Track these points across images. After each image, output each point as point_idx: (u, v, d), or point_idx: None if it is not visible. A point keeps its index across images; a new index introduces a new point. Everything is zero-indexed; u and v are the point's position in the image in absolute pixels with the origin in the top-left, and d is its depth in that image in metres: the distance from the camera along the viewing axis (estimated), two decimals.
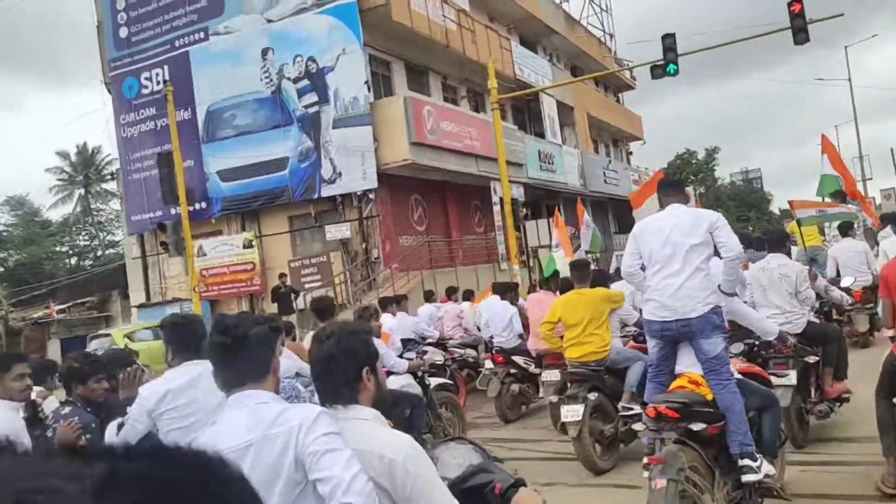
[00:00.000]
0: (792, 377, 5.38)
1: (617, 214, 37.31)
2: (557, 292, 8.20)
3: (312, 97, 17.84)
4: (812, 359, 5.72)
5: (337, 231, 17.94)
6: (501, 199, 22.09)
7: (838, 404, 5.90)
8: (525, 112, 28.31)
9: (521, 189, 24.08)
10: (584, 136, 31.24)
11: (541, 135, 27.17)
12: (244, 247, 18.88)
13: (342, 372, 2.08)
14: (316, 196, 18.18)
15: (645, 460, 3.94)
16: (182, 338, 3.40)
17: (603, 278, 6.86)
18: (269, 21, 18.01)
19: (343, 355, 2.08)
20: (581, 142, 30.87)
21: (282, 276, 15.10)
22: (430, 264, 20.05)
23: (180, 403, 3.20)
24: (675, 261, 4.37)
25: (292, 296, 15.23)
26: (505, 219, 19.29)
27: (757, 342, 5.32)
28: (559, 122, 30.67)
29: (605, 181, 32.61)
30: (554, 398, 6.48)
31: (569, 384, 6.13)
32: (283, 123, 18.13)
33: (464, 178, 21.39)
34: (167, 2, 19.50)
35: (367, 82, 17.73)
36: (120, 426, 3.32)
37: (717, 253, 4.51)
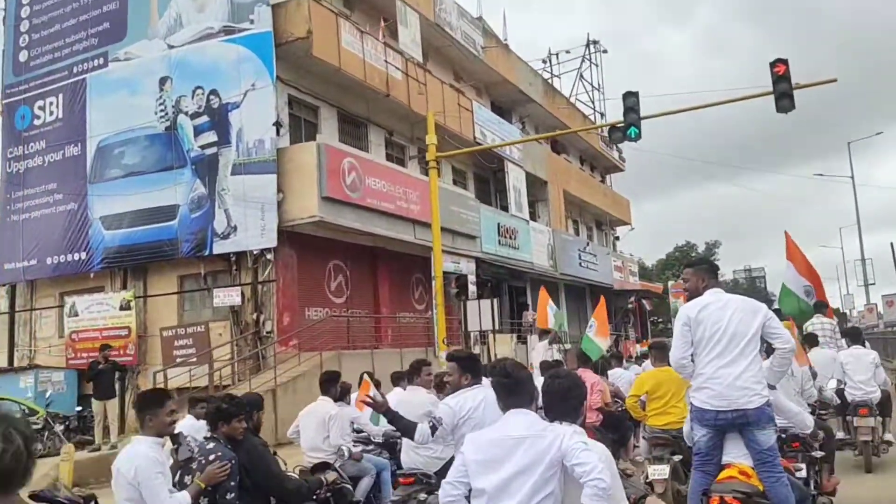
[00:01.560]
0: (804, 471, 5.36)
1: (596, 301, 34.15)
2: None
3: (211, 136, 15.11)
4: (818, 454, 5.83)
5: (226, 296, 14.85)
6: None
7: (832, 497, 6.02)
8: (490, 182, 25.62)
9: (471, 264, 21.10)
10: (557, 213, 28.45)
11: (505, 208, 24.38)
12: (121, 308, 15.78)
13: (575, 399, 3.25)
14: (207, 252, 15.18)
15: None
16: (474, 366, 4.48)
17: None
18: (171, 47, 15.48)
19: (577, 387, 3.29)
20: (554, 219, 28.05)
21: (104, 348, 11.90)
22: (349, 343, 16.85)
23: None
24: (732, 350, 4.38)
25: (116, 374, 11.97)
26: (433, 296, 16.17)
27: (783, 434, 5.25)
28: (529, 197, 27.95)
29: (581, 264, 29.59)
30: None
31: (653, 448, 6.65)
32: (176, 165, 15.34)
33: (400, 245, 18.43)
34: (70, 24, 17.15)
35: (276, 123, 15.01)
36: (433, 429, 4.23)
37: None
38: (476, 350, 20.70)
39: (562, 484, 2.98)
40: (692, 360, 4.55)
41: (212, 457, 4.17)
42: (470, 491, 3.08)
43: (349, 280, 17.61)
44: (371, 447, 6.81)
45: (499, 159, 24.00)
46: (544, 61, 36.97)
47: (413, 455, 5.53)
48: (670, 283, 56.57)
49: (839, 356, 8.44)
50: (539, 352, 13.64)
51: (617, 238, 39.88)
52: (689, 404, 4.64)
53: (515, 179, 24.81)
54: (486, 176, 25.37)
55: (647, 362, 9.07)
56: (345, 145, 16.60)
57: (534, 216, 28.19)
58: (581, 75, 37.29)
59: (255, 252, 14.92)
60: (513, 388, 3.18)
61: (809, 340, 8.44)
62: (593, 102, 37.45)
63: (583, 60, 37.54)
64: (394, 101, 18.42)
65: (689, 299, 4.82)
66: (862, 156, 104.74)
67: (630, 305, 32.63)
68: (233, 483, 4.23)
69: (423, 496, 5.24)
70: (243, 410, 4.65)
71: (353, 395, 7.13)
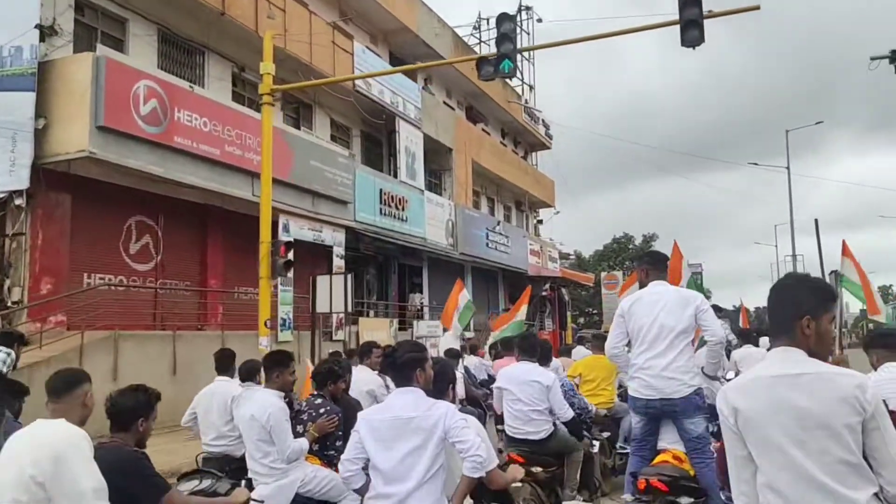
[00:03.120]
0: None
1: (510, 287, 31.03)
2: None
3: None
4: None
5: None
6: (296, 242, 15.51)
7: None
8: (383, 145, 22.03)
9: (338, 234, 17.53)
10: (463, 187, 25.07)
11: (396, 174, 20.85)
12: None
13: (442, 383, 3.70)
14: None
15: None
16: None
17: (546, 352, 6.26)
18: None
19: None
20: (458, 193, 24.65)
21: None
22: (156, 322, 13.15)
23: None
24: (661, 342, 4.49)
25: None
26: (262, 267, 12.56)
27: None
28: (431, 165, 24.46)
29: (489, 245, 26.30)
30: None
31: None
32: None
33: (242, 205, 14.72)
34: None
35: (40, 26, 11.15)
36: None
37: None
38: (340, 336, 17.23)
39: (448, 455, 3.27)
40: (626, 350, 4.78)
41: (321, 410, 4.67)
42: (367, 463, 3.32)
43: (161, 242, 13.85)
44: None
45: (389, 117, 20.42)
46: (475, 27, 33.55)
47: None
48: (603, 274, 54.24)
49: (734, 354, 8.65)
50: (447, 341, 12.74)
51: (540, 221, 36.83)
52: (628, 392, 4.82)
53: (410, 142, 21.29)
54: (378, 137, 21.78)
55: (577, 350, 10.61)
56: (142, 64, 12.74)
57: (437, 188, 24.74)
58: None
59: (1, 196, 11.05)
60: (399, 368, 3.37)
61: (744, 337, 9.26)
62: (522, 73, 34.16)
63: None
64: (234, 24, 14.66)
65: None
66: (806, 151, 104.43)
67: (544, 293, 29.64)
68: (339, 433, 4.72)
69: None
70: (346, 373, 5.15)
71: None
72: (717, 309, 9.47)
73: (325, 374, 5.00)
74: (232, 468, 5.39)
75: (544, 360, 5.97)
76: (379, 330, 18.90)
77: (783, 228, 73.23)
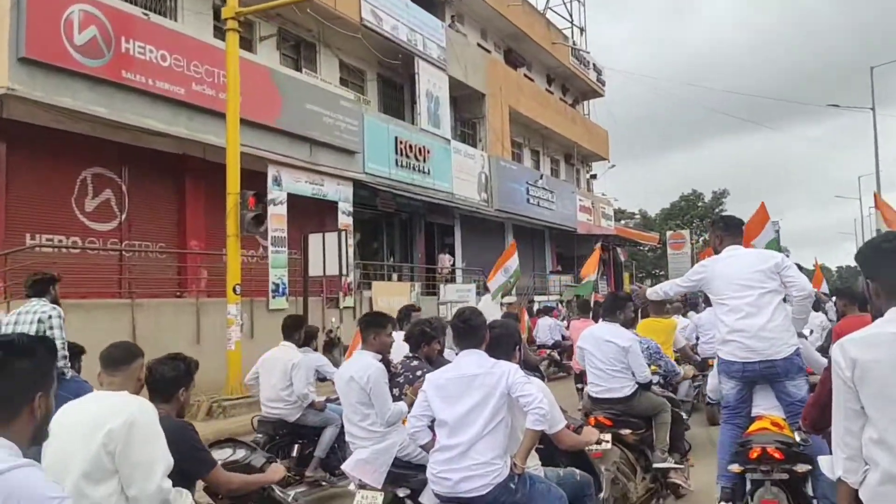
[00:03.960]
0: None
1: (558, 247, 28.47)
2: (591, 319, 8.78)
3: None
4: None
5: None
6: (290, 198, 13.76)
7: None
8: (404, 90, 19.71)
9: (345, 188, 15.49)
10: (498, 136, 22.53)
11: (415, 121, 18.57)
12: None
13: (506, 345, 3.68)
14: None
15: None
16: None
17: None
18: None
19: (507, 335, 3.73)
20: (492, 144, 22.17)
21: None
22: (121, 291, 11.47)
23: None
24: (752, 302, 4.22)
25: None
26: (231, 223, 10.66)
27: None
28: (463, 113, 22.05)
29: (530, 201, 23.82)
30: None
31: None
32: None
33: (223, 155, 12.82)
34: None
35: None
36: None
37: None
38: (349, 303, 15.30)
39: (511, 411, 3.32)
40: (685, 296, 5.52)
41: (418, 373, 4.56)
42: (433, 421, 3.43)
43: (126, 198, 12.09)
44: (335, 396, 5.51)
45: (407, 58, 18.10)
46: None
47: None
48: (669, 233, 50.72)
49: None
50: (486, 306, 11.40)
51: (593, 176, 33.88)
52: (716, 357, 4.54)
53: (432, 86, 18.92)
54: (399, 82, 19.48)
55: None
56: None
57: (470, 139, 22.34)
58: None
59: None
60: (467, 332, 3.51)
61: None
62: (571, 14, 31.03)
63: None
64: None
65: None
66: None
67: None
68: None
69: None
70: (439, 334, 5.01)
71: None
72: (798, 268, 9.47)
73: (418, 336, 4.92)
74: (284, 432, 5.65)
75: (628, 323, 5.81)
76: (397, 295, 16.87)
77: (868, 181, 67.41)
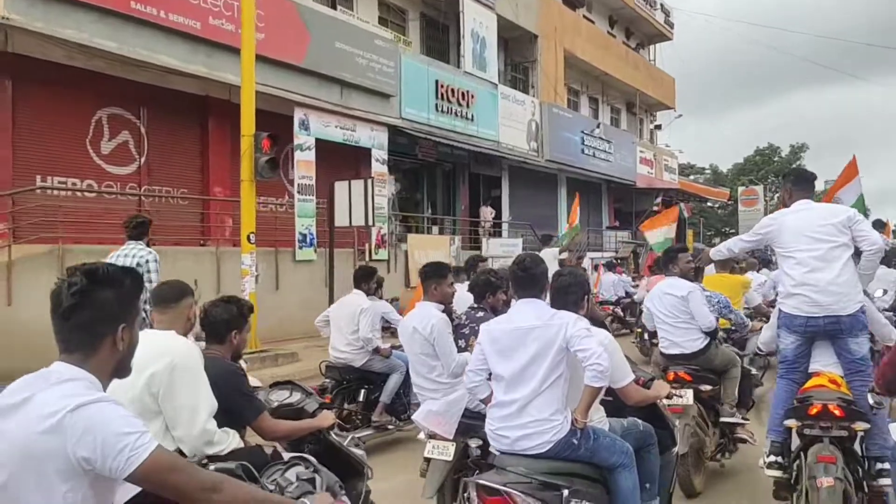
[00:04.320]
0: None
1: (616, 201, 27.00)
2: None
3: None
4: None
5: None
6: (316, 143, 13.09)
7: None
8: (449, 33, 18.51)
9: (380, 134, 14.63)
10: (551, 81, 21.09)
11: (459, 63, 17.42)
12: None
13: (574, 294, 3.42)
14: None
15: (810, 458, 3.70)
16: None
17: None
18: None
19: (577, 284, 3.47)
20: (545, 89, 20.78)
21: None
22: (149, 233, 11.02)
23: None
24: (820, 256, 4.10)
25: None
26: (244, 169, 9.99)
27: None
28: (513, 56, 20.72)
29: (585, 152, 22.43)
30: None
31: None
32: None
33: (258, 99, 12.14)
34: None
35: None
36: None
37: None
38: (382, 255, 14.61)
39: (570, 365, 3.12)
40: (752, 252, 5.24)
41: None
42: (490, 374, 3.30)
43: (145, 141, 11.57)
44: (400, 344, 5.31)
45: None
46: None
47: None
48: (740, 188, 48.19)
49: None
50: (548, 259, 10.23)
51: (658, 126, 31.90)
52: (778, 311, 4.40)
53: (478, 25, 17.67)
54: (444, 23, 18.29)
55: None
56: None
57: (522, 84, 21.03)
58: None
59: None
60: (527, 280, 3.28)
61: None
62: None
63: None
64: None
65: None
66: None
67: (656, 208, 25.40)
68: None
69: None
70: (504, 285, 4.69)
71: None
72: (878, 225, 9.69)
73: (483, 286, 4.78)
74: (351, 377, 5.73)
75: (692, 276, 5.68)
76: (435, 248, 16.07)
77: None
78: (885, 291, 7.92)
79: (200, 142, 12.41)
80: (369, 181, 11.75)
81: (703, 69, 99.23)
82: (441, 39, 18.21)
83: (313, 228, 12.88)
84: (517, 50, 20.64)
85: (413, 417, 4.30)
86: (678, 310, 5.17)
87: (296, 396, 4.05)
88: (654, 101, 29.22)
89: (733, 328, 6.09)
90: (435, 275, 4.47)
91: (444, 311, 4.38)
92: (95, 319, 1.66)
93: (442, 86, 16.19)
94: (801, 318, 4.11)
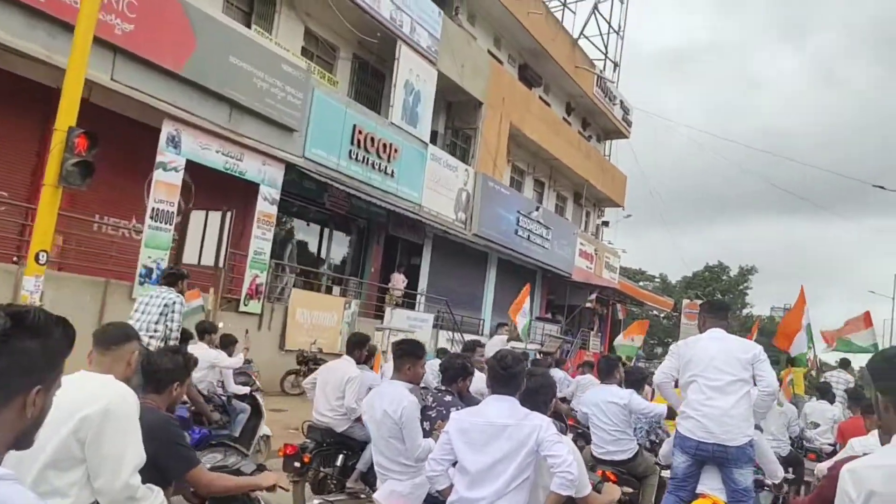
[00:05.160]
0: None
1: (549, 293, 25.24)
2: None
3: None
4: (790, 476, 6.45)
5: None
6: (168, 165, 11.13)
7: None
8: (386, 79, 16.94)
9: (274, 169, 12.69)
10: (491, 153, 19.61)
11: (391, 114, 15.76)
12: None
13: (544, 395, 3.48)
14: None
15: None
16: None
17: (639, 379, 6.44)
18: None
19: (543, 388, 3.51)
20: (483, 160, 19.25)
21: None
22: None
23: None
24: (721, 385, 4.29)
25: None
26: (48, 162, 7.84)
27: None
28: (455, 121, 19.26)
29: (519, 233, 20.78)
30: None
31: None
32: None
33: (101, 95, 10.13)
34: None
35: None
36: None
37: None
38: (254, 308, 12.42)
39: (536, 468, 3.11)
40: (674, 385, 4.76)
41: (453, 409, 4.04)
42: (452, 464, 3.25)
43: None
44: None
45: (388, 38, 15.35)
46: None
47: None
48: (685, 301, 47.29)
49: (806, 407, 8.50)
50: (496, 346, 11.04)
51: (605, 223, 30.71)
52: (676, 430, 4.56)
53: (415, 77, 16.15)
54: (380, 70, 16.73)
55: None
56: None
57: (462, 153, 19.48)
58: (596, 8, 27.96)
59: None
60: (506, 379, 3.25)
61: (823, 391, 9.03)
62: (606, 46, 28.26)
63: None
64: None
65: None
66: None
67: (589, 304, 23.76)
68: None
69: None
70: (469, 371, 4.68)
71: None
72: (844, 364, 11.00)
73: (457, 370, 4.53)
74: (331, 441, 5.66)
75: (636, 387, 6.00)
76: (326, 309, 13.94)
77: None
78: (820, 425, 8.24)
79: (40, 141, 10.25)
80: (228, 214, 9.71)
81: (663, 177, 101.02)
82: (373, 86, 16.62)
83: (164, 263, 10.66)
84: (460, 115, 19.21)
85: (374, 496, 4.07)
86: (618, 418, 5.45)
87: (231, 458, 3.95)
88: (604, 196, 28.07)
89: (657, 441, 6.29)
90: (412, 354, 4.27)
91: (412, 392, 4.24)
92: (9, 372, 1.33)
93: (360, 132, 14.43)
94: (692, 441, 4.28)
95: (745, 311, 65.54)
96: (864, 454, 2.32)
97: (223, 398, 6.66)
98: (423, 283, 18.42)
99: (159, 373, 3.04)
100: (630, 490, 5.27)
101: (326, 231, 16.05)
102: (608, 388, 5.67)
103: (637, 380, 6.24)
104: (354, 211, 15.91)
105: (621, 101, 27.80)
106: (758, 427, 4.79)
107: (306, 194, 14.61)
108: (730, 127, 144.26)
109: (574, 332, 24.85)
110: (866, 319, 10.06)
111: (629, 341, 15.78)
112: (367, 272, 16.67)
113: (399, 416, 3.85)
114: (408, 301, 17.44)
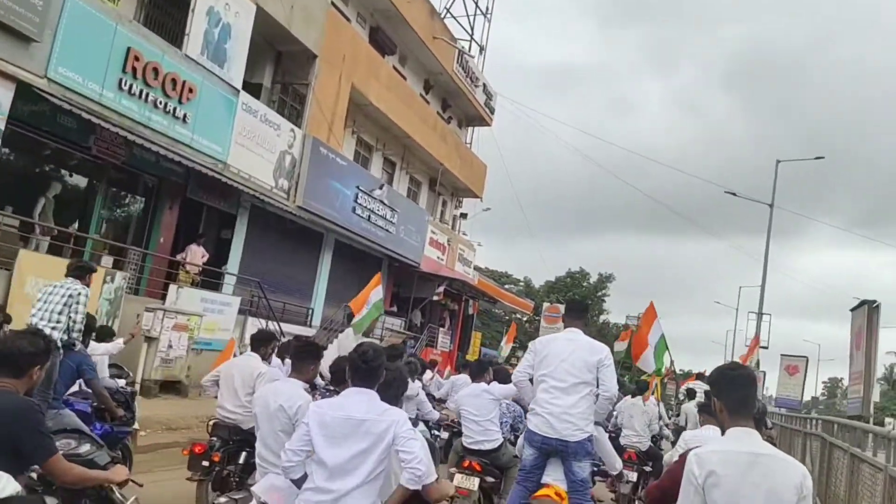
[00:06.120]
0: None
1: (396, 284, 22.83)
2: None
3: None
4: (647, 468, 8.38)
5: None
6: None
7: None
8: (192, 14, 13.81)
9: (2, 89, 9.33)
10: (326, 115, 16.92)
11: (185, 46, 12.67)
12: None
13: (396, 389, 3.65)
14: None
15: None
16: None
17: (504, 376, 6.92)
18: None
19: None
20: (316, 122, 16.52)
21: None
22: None
23: None
24: (565, 387, 4.66)
25: None
26: None
27: (596, 469, 5.71)
28: (279, 71, 16.47)
29: (357, 212, 18.22)
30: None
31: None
32: None
33: None
34: None
35: None
36: None
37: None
38: None
39: (390, 460, 3.23)
40: (530, 383, 4.96)
41: None
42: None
43: None
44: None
45: None
46: None
47: None
48: (546, 304, 46.73)
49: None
50: (351, 340, 10.16)
51: (463, 215, 28.83)
52: (526, 425, 4.97)
53: (223, 5, 13.14)
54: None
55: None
56: None
57: (296, 115, 16.66)
58: None
59: None
60: (367, 373, 3.31)
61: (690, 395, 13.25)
62: (472, 28, 26.36)
63: None
64: None
65: None
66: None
67: (436, 297, 21.64)
68: None
69: None
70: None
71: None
72: (701, 377, 15.31)
73: (344, 372, 4.40)
74: (237, 438, 5.60)
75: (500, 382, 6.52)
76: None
77: (747, 292, 66.40)
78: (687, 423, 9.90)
79: None
80: None
81: (529, 180, 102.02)
82: (174, 16, 13.44)
83: None
84: (291, 69, 16.39)
85: (253, 489, 3.95)
86: (486, 409, 6.07)
87: (84, 447, 3.88)
88: (462, 185, 26.10)
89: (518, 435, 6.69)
90: (313, 356, 4.44)
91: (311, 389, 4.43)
92: None
93: (138, 58, 11.30)
94: (538, 436, 4.70)
95: (601, 318, 66.88)
96: (695, 446, 3.21)
97: (126, 394, 6.52)
98: (234, 262, 15.43)
99: (17, 356, 2.90)
100: (492, 479, 5.90)
101: (101, 187, 12.70)
102: (481, 384, 6.30)
103: (505, 377, 6.74)
104: (138, 164, 12.69)
105: (484, 85, 25.98)
106: (598, 423, 5.11)
107: (65, 134, 11.29)
108: (601, 142, 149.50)
109: (421, 327, 22.61)
110: (650, 313, 10.26)
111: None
112: (155, 242, 13.48)
113: (294, 412, 3.98)
114: (214, 281, 14.42)
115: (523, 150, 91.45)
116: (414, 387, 6.44)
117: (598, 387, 4.70)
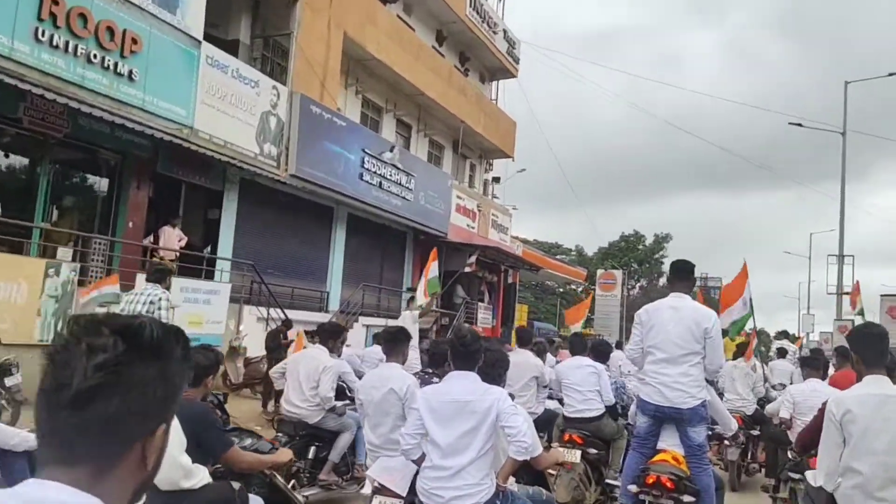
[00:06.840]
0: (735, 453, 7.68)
1: (423, 257, 20.49)
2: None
3: None
4: (755, 432, 8.26)
5: None
6: None
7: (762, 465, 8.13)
8: None
9: None
10: (316, 69, 14.63)
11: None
12: None
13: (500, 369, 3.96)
14: None
15: None
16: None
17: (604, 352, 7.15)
18: None
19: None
20: (298, 75, 14.26)
21: None
22: None
23: None
24: (674, 356, 4.65)
25: None
26: None
27: (710, 433, 5.59)
28: (258, 22, 14.29)
29: (366, 178, 15.99)
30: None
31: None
32: None
33: None
34: None
35: None
36: None
37: None
38: None
39: (497, 435, 3.49)
40: (643, 354, 4.90)
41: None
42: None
43: None
44: (350, 403, 5.98)
45: None
46: None
47: None
48: (599, 271, 43.80)
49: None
50: (407, 322, 10.39)
51: (496, 179, 26.29)
52: (638, 394, 5.13)
53: None
54: None
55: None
56: None
57: (281, 71, 14.51)
58: None
59: None
60: (466, 356, 3.60)
61: (781, 353, 12.16)
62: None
63: None
64: None
65: None
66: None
67: (468, 269, 19.29)
68: None
69: None
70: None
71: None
72: (784, 334, 15.38)
73: (444, 355, 5.03)
74: (304, 433, 5.56)
75: (602, 358, 6.75)
76: (9, 278, 8.84)
77: (819, 238, 61.68)
78: (784, 385, 9.34)
79: None
80: None
81: (570, 151, 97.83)
82: None
83: None
84: (271, 19, 14.21)
85: (367, 472, 4.12)
86: (589, 382, 6.18)
87: (247, 440, 4.21)
88: (490, 145, 23.56)
89: (625, 405, 6.91)
90: (405, 339, 4.71)
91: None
92: (125, 414, 0.92)
93: (56, 2, 9.26)
94: (651, 405, 4.71)
95: (661, 281, 63.32)
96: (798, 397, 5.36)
97: (219, 396, 6.33)
98: (226, 245, 13.43)
99: (196, 368, 3.38)
100: (595, 451, 5.96)
101: (44, 167, 10.79)
102: (583, 358, 6.57)
103: (604, 352, 7.00)
104: (88, 137, 10.71)
105: (505, 31, 23.30)
106: (710, 382, 5.07)
107: None
108: (647, 102, 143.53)
109: (465, 304, 20.30)
110: (742, 274, 9.68)
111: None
112: (122, 227, 11.54)
113: (404, 392, 4.26)
114: (198, 267, 12.45)
115: (561, 106, 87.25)
116: (539, 365, 6.78)
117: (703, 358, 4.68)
